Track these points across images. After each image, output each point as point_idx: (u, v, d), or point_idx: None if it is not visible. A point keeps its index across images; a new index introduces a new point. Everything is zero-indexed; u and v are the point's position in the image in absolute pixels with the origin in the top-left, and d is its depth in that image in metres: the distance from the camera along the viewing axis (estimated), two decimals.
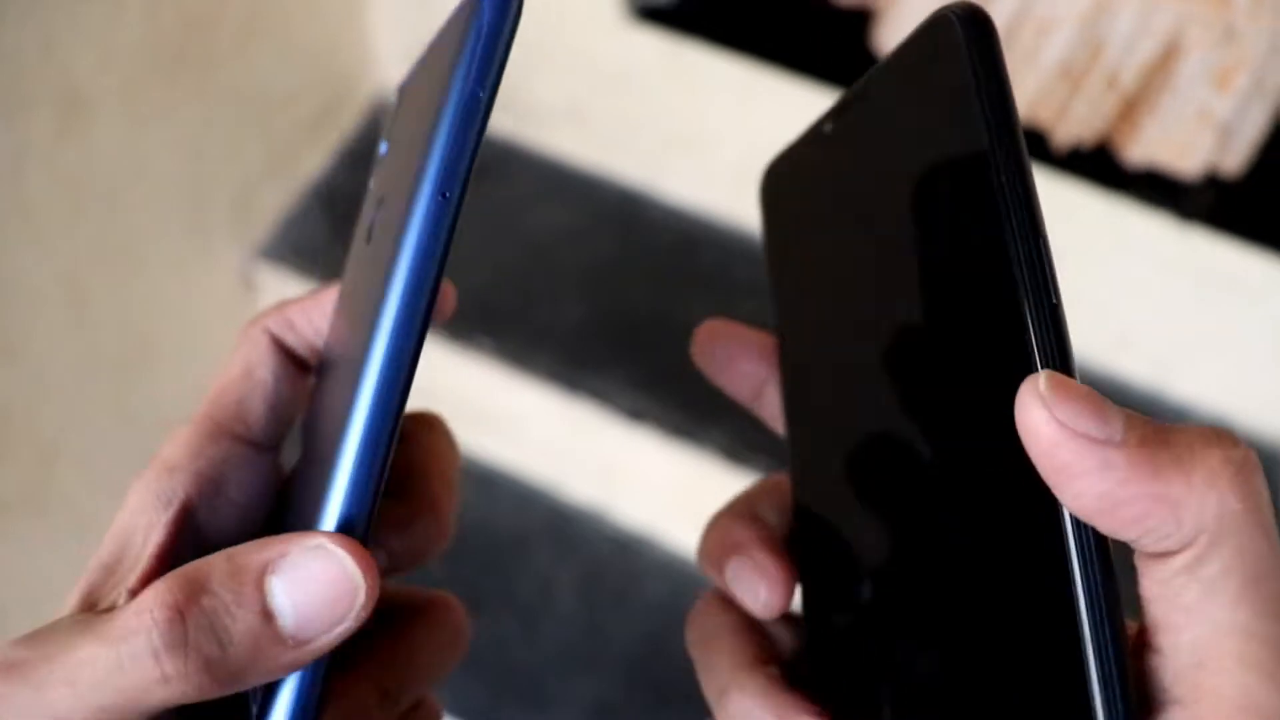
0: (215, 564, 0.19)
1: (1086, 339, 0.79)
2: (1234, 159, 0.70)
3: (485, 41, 0.20)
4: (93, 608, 0.21)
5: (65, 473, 0.69)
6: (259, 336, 0.26)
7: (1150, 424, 0.19)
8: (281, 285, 0.81)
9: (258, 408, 0.25)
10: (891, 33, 0.71)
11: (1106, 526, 0.19)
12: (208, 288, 0.78)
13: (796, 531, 0.27)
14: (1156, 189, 0.71)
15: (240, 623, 0.19)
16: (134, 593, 0.20)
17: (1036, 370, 0.19)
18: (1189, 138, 0.69)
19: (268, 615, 0.19)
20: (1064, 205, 0.71)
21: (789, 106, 0.73)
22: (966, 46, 0.20)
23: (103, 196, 0.65)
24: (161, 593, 0.19)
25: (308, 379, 0.26)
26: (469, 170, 0.20)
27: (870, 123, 0.25)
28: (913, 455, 0.22)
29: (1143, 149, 0.70)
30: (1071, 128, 0.70)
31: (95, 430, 0.71)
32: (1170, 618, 0.19)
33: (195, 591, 0.19)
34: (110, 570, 0.22)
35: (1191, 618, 0.19)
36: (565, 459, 0.84)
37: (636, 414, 0.74)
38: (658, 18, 0.75)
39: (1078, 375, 0.20)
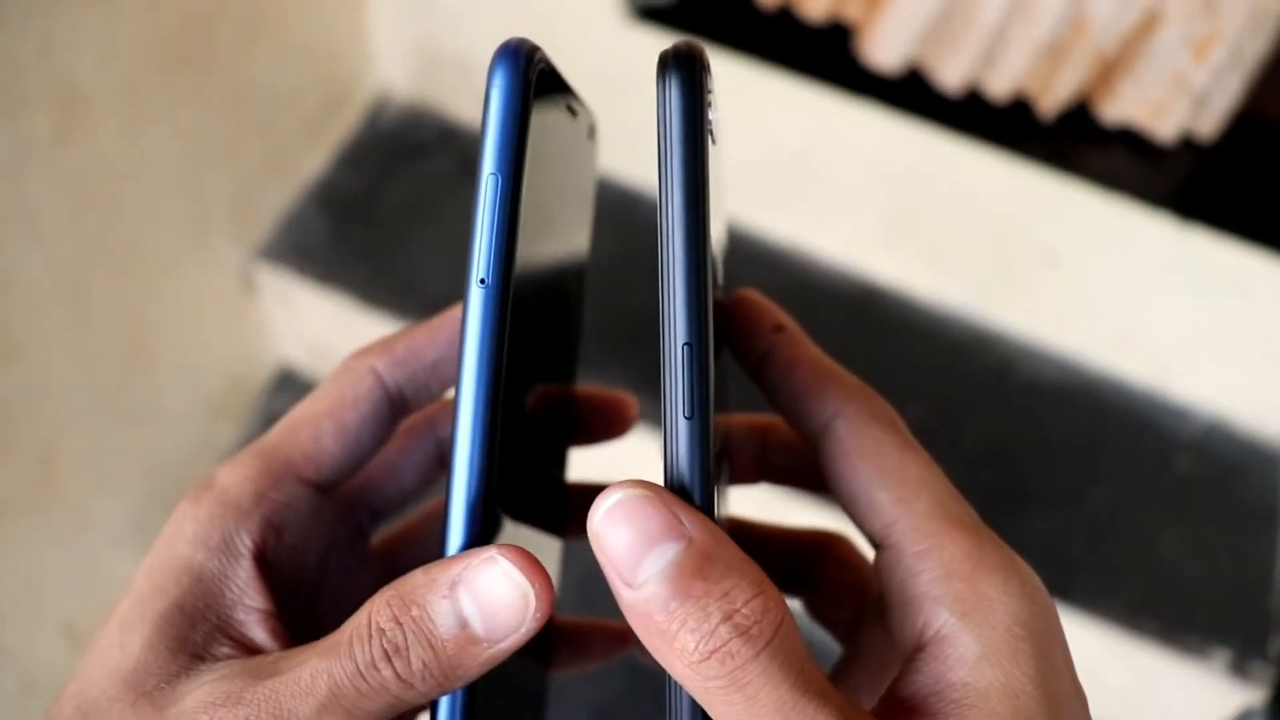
0: (417, 580, 0.22)
1: (1086, 339, 0.79)
2: (1208, 124, 0.71)
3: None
4: (194, 655, 0.23)
5: (65, 473, 0.69)
6: (364, 375, 0.25)
7: (679, 579, 0.20)
8: (281, 285, 0.81)
9: (332, 451, 0.25)
10: (875, 45, 0.71)
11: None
12: (208, 287, 0.78)
13: None
14: (1133, 149, 0.72)
15: (443, 630, 0.21)
16: (277, 636, 0.23)
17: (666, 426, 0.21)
18: (1164, 100, 0.70)
19: (463, 622, 0.21)
20: (1063, 205, 0.71)
21: (789, 106, 0.73)
22: (661, 89, 0.21)
23: (103, 196, 0.65)
24: (382, 607, 0.21)
25: (397, 423, 0.26)
26: None
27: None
28: None
29: (1119, 108, 0.71)
30: (1058, 94, 0.71)
31: (95, 430, 0.71)
32: None
33: (406, 605, 0.22)
34: (192, 616, 0.23)
35: None
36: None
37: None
38: (658, 18, 0.75)
39: (707, 420, 0.22)
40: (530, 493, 0.28)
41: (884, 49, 0.72)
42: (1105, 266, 0.74)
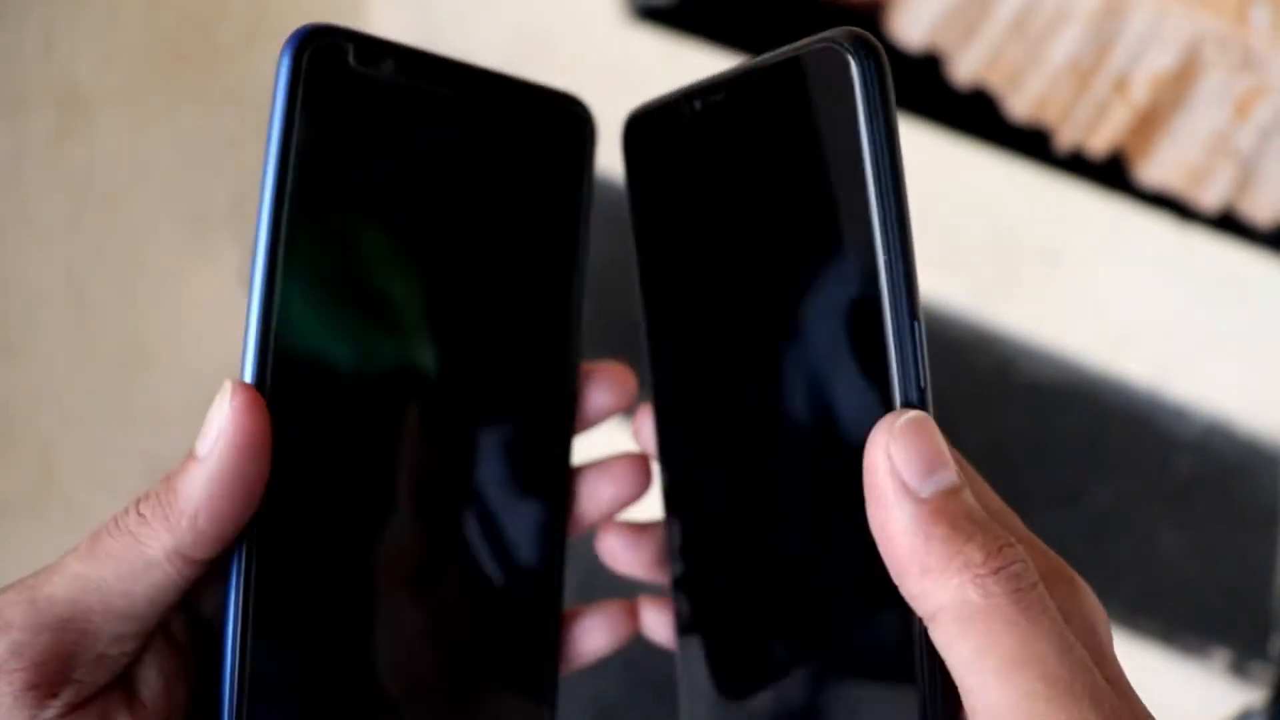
0: None
1: (1086, 339, 0.79)
2: (1265, 206, 0.67)
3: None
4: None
5: (65, 472, 0.69)
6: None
7: (963, 503, 0.21)
8: None
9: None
10: (904, 20, 0.71)
11: (881, 554, 0.21)
12: (208, 287, 0.78)
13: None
14: (1174, 213, 0.69)
15: (177, 469, 0.24)
16: None
17: (894, 399, 0.22)
18: (1205, 164, 0.67)
19: (191, 453, 0.24)
20: (1063, 205, 0.71)
21: None
22: (861, 83, 0.21)
23: (103, 196, 0.65)
24: None
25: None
26: None
27: (743, 118, 0.26)
28: (776, 460, 0.24)
29: (1156, 171, 0.69)
30: (1076, 131, 0.69)
31: (95, 430, 0.71)
32: (968, 705, 0.21)
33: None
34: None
35: (976, 700, 0.20)
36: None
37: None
38: (658, 18, 0.75)
39: (931, 400, 0.22)
40: (498, 476, 0.28)
41: (911, 25, 0.70)
42: (1105, 266, 0.74)
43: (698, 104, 0.27)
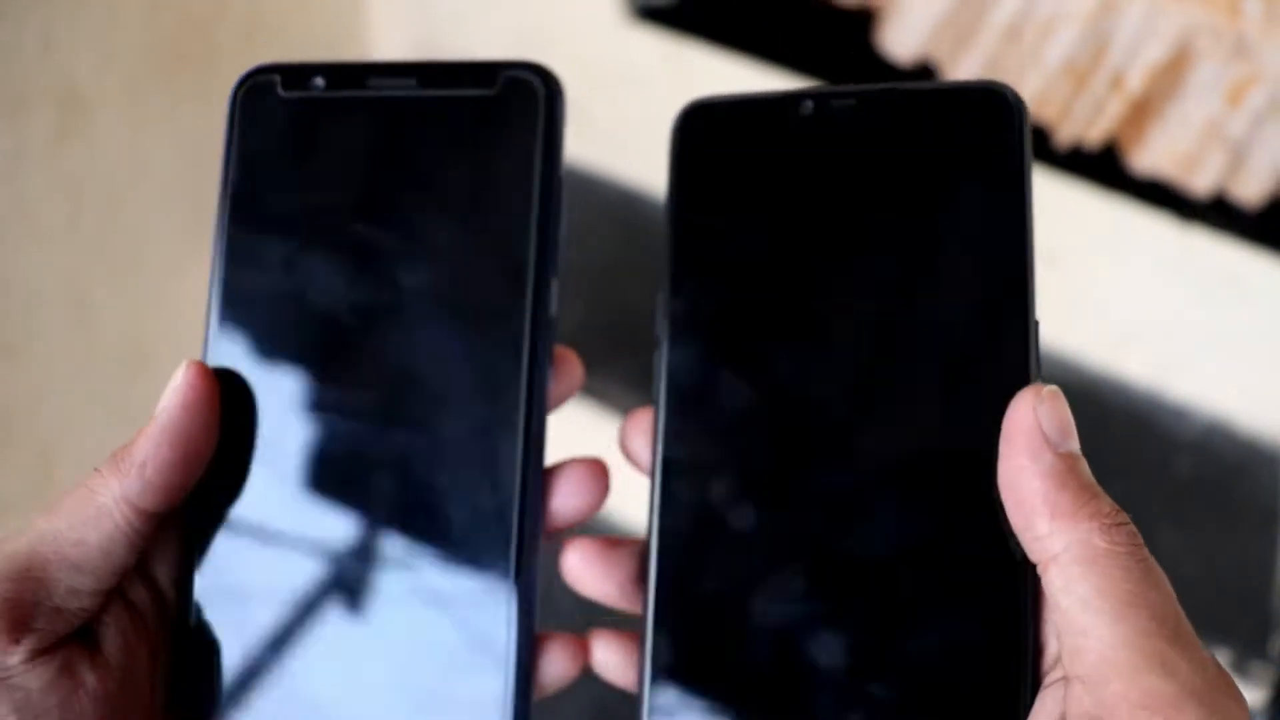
0: None
1: (1086, 339, 0.79)
2: (1253, 186, 0.69)
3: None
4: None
5: (65, 473, 0.69)
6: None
7: (1088, 469, 0.24)
8: None
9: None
10: (895, 31, 0.71)
11: (1007, 500, 0.24)
12: (208, 288, 0.78)
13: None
14: (1163, 202, 0.70)
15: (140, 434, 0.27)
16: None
17: (1030, 379, 0.25)
18: (1197, 151, 0.68)
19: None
20: (1064, 205, 0.71)
21: None
22: (1020, 125, 0.26)
23: (103, 196, 0.65)
24: None
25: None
26: None
27: (875, 127, 0.28)
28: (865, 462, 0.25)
29: (1149, 158, 0.69)
30: (1075, 127, 0.69)
31: (95, 430, 0.71)
32: (1076, 646, 0.23)
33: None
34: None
35: (1088, 639, 0.22)
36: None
37: None
38: (658, 18, 0.75)
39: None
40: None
41: (900, 40, 0.71)
42: (1105, 266, 0.74)
43: (806, 107, 0.28)
